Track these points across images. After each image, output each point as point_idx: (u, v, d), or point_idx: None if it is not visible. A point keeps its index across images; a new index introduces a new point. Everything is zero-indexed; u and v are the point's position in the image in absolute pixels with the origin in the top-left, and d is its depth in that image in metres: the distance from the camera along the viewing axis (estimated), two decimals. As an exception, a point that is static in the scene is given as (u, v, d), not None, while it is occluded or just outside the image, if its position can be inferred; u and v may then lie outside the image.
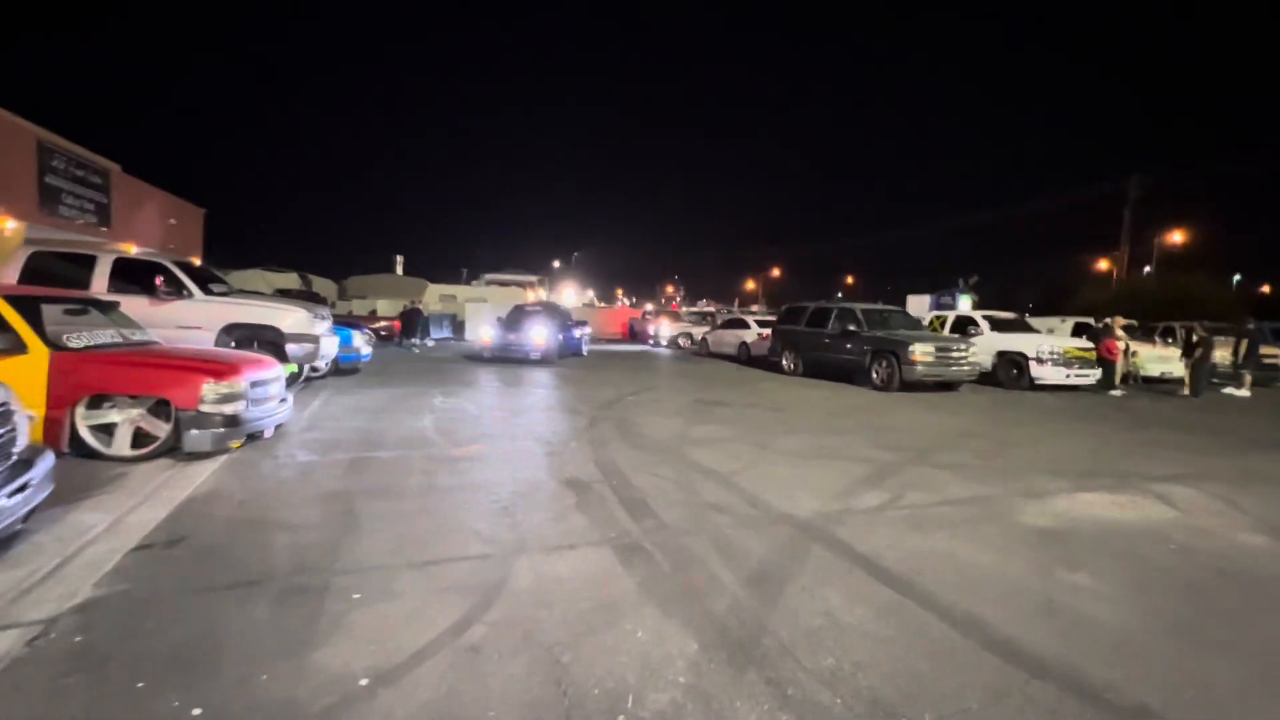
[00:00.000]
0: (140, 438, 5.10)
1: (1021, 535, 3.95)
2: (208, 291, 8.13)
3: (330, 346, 9.14)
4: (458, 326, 25.06)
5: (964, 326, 13.58)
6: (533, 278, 45.28)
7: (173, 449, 5.09)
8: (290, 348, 8.03)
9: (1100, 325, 12.71)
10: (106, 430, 5.03)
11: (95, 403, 5.00)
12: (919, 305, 21.14)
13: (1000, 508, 4.53)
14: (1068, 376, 12.09)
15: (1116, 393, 12.16)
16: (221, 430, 5.11)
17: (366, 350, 11.65)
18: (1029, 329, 13.72)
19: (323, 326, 8.70)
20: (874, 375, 11.66)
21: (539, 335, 14.62)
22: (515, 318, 16.13)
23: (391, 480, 4.74)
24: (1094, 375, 12.34)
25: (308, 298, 13.97)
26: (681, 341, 23.42)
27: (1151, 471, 5.77)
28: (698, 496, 4.54)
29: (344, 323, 11.43)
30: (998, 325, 13.40)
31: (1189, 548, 3.82)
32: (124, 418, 5.03)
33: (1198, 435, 7.99)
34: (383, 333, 18.11)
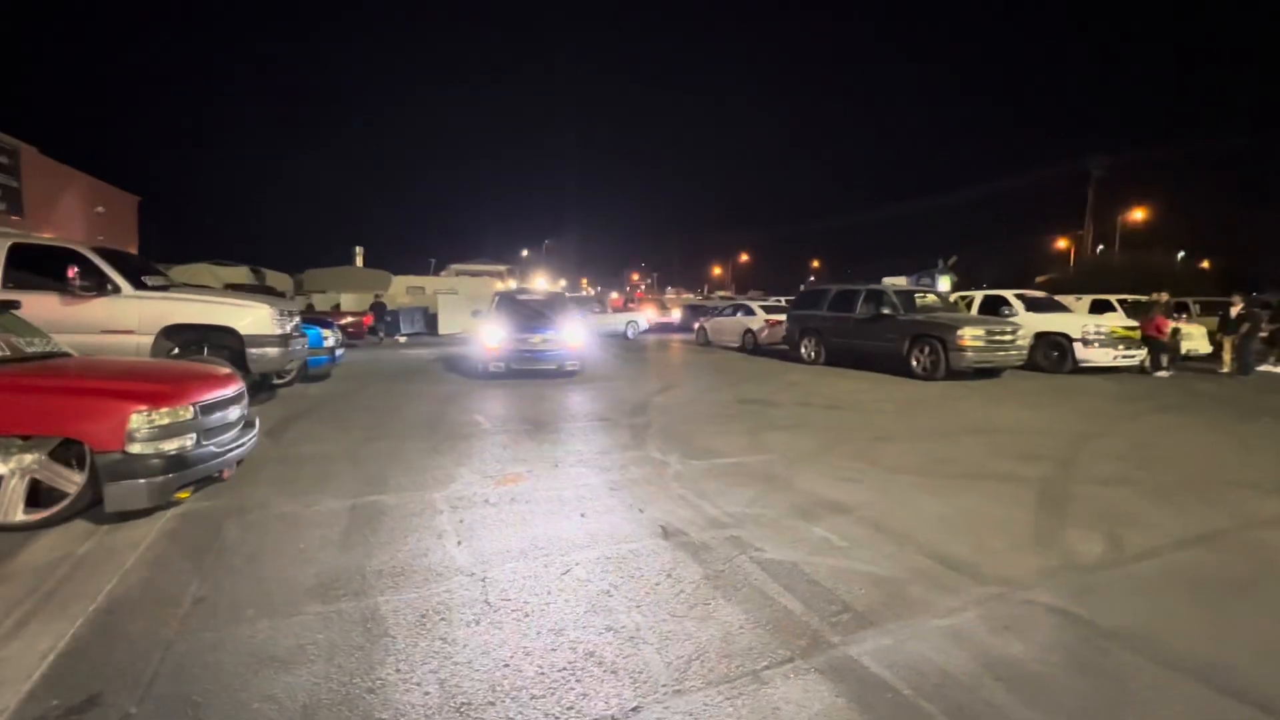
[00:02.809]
0: (41, 495, 3.55)
1: (1351, 600, 2.79)
2: (140, 286, 6.42)
3: (299, 349, 7.50)
4: (430, 320, 23.20)
5: (995, 307, 12.64)
6: (502, 267, 43.28)
7: (92, 506, 3.56)
8: (252, 353, 6.41)
9: (1154, 301, 11.90)
10: (-14, 487, 3.45)
11: (-35, 448, 3.41)
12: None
13: (1265, 555, 3.37)
14: (1114, 358, 11.26)
15: (1164, 374, 11.40)
16: (160, 479, 3.57)
17: (340, 350, 9.98)
18: (1062, 308, 12.87)
19: (290, 325, 7.07)
20: (914, 363, 10.58)
21: (573, 336, 10.18)
22: (520, 312, 10.85)
23: (415, 545, 3.30)
24: (1139, 356, 11.55)
25: (263, 293, 12.13)
26: None
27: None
28: (857, 553, 3.25)
29: (312, 320, 9.74)
30: (1032, 305, 12.49)
31: None
32: (13, 468, 3.46)
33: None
34: (350, 329, 16.27)
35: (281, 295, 15.24)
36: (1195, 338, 13.94)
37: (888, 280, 22.55)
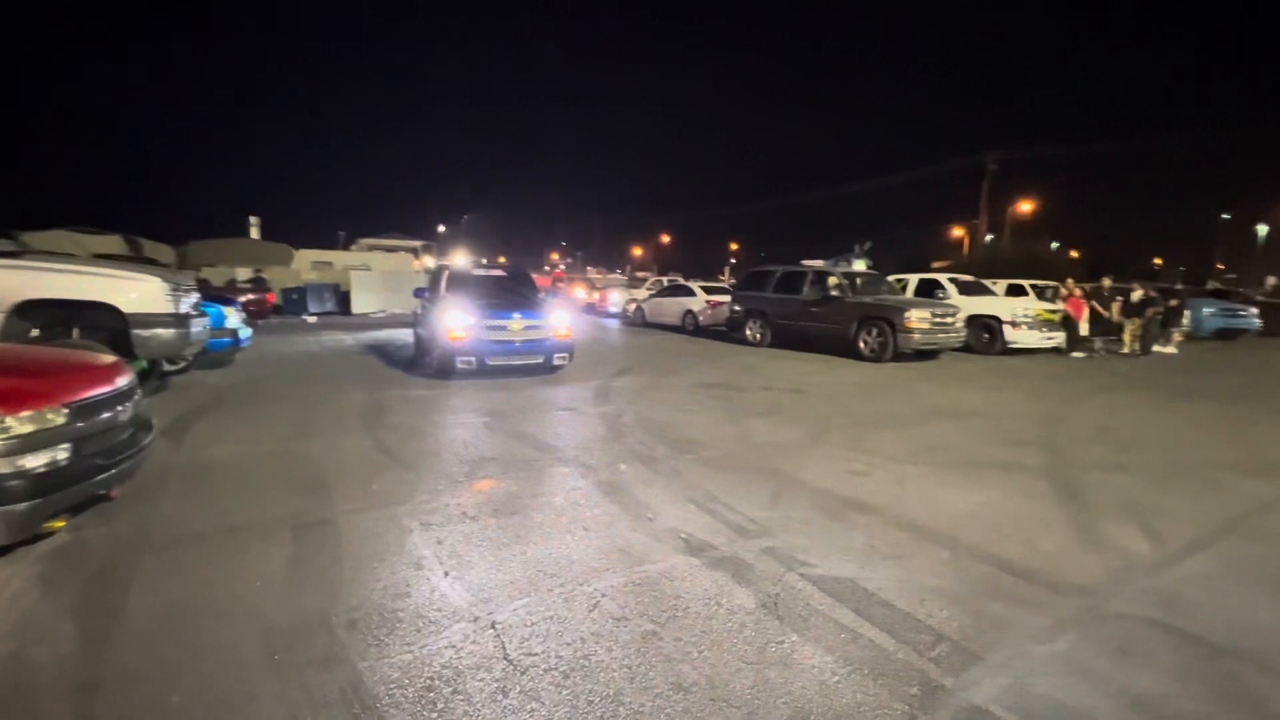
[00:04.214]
0: None
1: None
2: (-21, 250, 5.08)
3: (201, 331, 6.32)
4: (342, 298, 21.27)
5: (930, 290, 12.98)
6: (418, 242, 40.73)
7: (-83, 546, 2.60)
8: (139, 335, 5.27)
9: (1091, 288, 12.63)
10: None
11: None
12: None
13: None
14: (1040, 340, 11.87)
15: (1079, 355, 12.14)
16: (22, 506, 2.66)
17: (246, 333, 8.67)
18: (989, 292, 13.43)
19: (189, 302, 5.91)
20: (862, 345, 10.61)
21: (562, 320, 8.09)
22: (482, 290, 8.42)
23: (389, 579, 2.62)
24: (1059, 338, 12.25)
25: (144, 265, 10.34)
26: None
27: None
28: (912, 563, 2.90)
29: (212, 297, 8.37)
30: (963, 288, 12.93)
31: None
32: None
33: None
34: (251, 308, 14.47)
35: (165, 268, 13.26)
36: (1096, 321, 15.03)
37: (806, 264, 22.96)
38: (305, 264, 25.26)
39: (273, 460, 4.29)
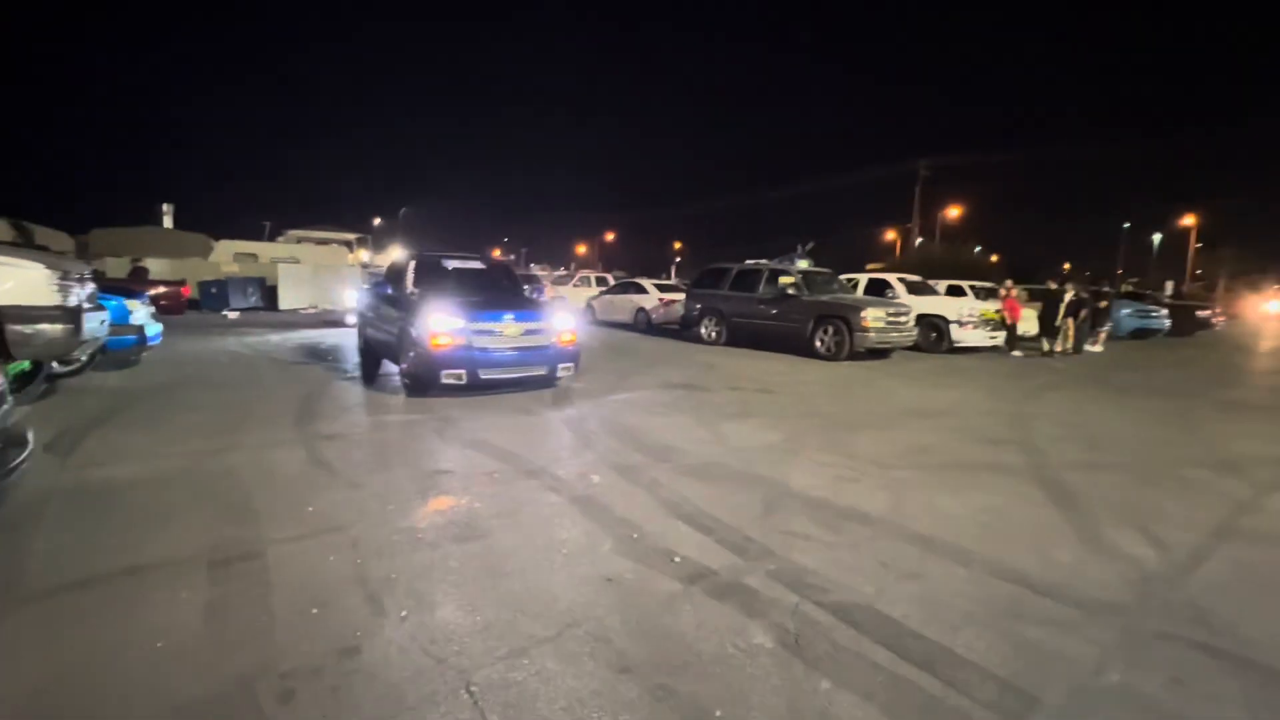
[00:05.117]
0: None
1: None
2: None
3: (98, 328, 5.48)
4: (268, 293, 19.79)
5: (880, 289, 13.16)
6: (351, 235, 38.72)
7: None
8: (15, 331, 4.45)
9: (1016, 288, 13.10)
10: None
11: None
12: None
13: None
14: (984, 339, 12.22)
15: (1017, 353, 12.57)
16: None
17: (155, 330, 7.70)
18: (934, 292, 13.75)
19: (82, 294, 5.09)
20: (818, 343, 10.57)
21: (564, 324, 6.73)
22: (462, 286, 6.98)
23: (333, 629, 2.15)
24: (1000, 337, 12.64)
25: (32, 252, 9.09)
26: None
27: None
28: (930, 582, 2.65)
29: (113, 289, 7.39)
30: (911, 288, 13.17)
31: None
32: None
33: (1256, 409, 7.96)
34: (162, 302, 13.12)
35: (57, 256, 11.80)
36: (1030, 320, 15.71)
37: (750, 263, 23.13)
38: (226, 256, 23.50)
39: (185, 480, 3.67)
